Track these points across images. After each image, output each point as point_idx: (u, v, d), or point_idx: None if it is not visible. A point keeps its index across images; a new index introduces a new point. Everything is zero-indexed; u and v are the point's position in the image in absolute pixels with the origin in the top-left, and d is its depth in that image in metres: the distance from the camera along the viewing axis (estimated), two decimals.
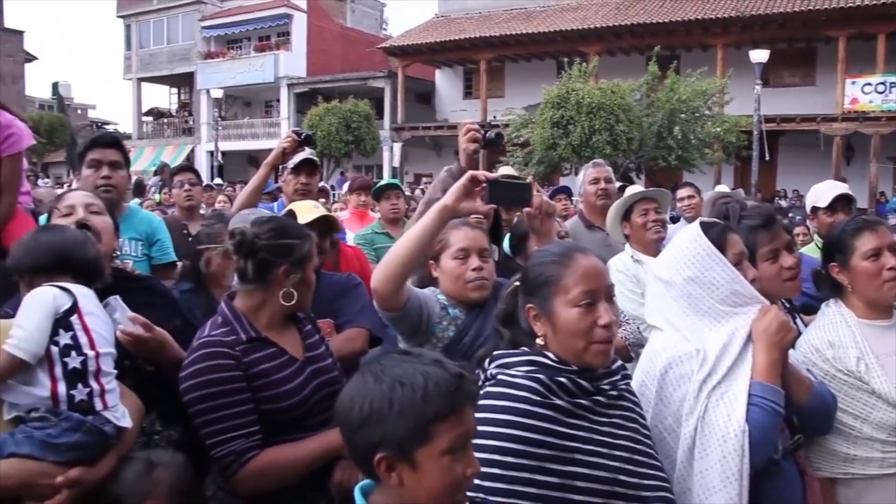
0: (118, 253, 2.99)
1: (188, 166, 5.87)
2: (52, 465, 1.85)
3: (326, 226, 3.26)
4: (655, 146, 21.87)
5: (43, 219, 3.18)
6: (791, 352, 2.29)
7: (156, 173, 15.02)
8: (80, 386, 1.94)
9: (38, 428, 1.87)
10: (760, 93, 20.99)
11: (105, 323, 2.10)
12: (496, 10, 32.04)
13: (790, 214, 10.13)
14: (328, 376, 2.44)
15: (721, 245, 2.23)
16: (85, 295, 2.07)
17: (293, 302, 2.34)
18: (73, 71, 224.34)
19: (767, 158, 21.73)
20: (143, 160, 35.42)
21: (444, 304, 2.73)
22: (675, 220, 6.69)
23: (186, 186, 5.18)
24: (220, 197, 9.12)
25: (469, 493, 1.57)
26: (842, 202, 4.19)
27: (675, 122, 21.40)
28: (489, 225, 3.79)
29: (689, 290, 2.22)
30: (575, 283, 1.90)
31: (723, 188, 7.60)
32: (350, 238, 5.25)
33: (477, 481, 1.59)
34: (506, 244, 3.87)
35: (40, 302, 1.98)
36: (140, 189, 10.45)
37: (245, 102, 39.87)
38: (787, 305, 2.83)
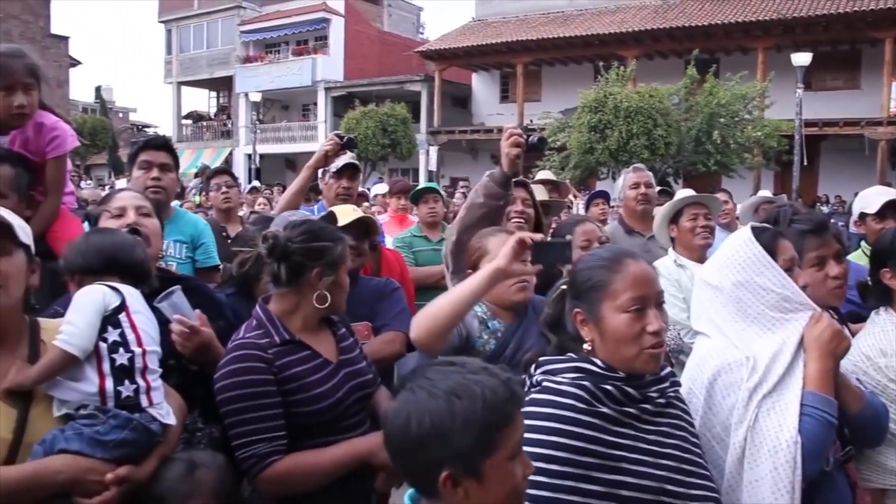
0: (163, 255, 3.03)
1: (224, 169, 5.93)
2: (101, 462, 1.87)
3: (365, 229, 3.27)
4: (694, 151, 21.65)
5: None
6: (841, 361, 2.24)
7: (196, 175, 15.21)
8: (126, 382, 1.96)
9: (87, 425, 1.89)
10: (802, 97, 20.64)
11: (151, 322, 2.12)
12: (533, 14, 31.97)
13: (832, 220, 9.94)
14: (362, 379, 2.44)
15: (772, 250, 2.19)
16: (132, 294, 2.10)
17: (327, 304, 2.35)
18: (115, 75, 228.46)
19: (807, 163, 21.34)
20: (182, 163, 35.61)
21: (482, 318, 2.73)
22: None
23: (224, 189, 5.22)
24: (260, 199, 9.20)
25: None
26: (891, 208, 4.10)
27: (714, 126, 21.18)
28: (530, 229, 3.79)
29: (738, 295, 2.18)
30: (624, 288, 1.88)
31: (765, 193, 7.48)
32: (389, 241, 5.26)
33: None
34: None
35: (90, 299, 2.01)
36: (180, 191, 10.58)
37: (283, 106, 40.25)
38: (835, 315, 2.77)
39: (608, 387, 1.86)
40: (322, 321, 2.44)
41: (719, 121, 21.22)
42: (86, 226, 3.24)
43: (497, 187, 3.02)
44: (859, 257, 3.96)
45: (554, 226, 5.26)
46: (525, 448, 1.61)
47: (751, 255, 2.18)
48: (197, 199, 9.53)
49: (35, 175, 2.95)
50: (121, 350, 1.97)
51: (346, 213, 3.19)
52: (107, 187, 18.01)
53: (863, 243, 4.39)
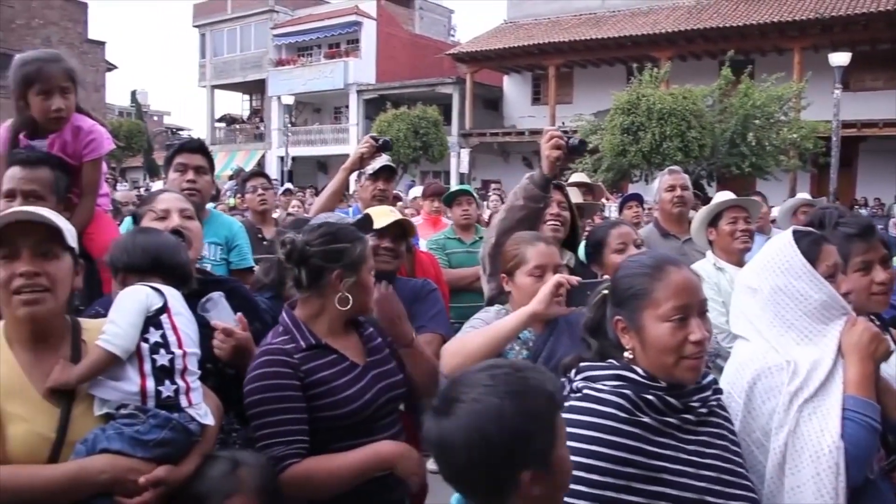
0: (202, 257, 3.07)
1: (260, 172, 5.98)
2: (141, 462, 1.89)
3: (401, 230, 3.27)
4: (728, 153, 21.42)
5: (128, 220, 3.28)
6: (883, 366, 2.19)
7: (231, 178, 15.35)
8: (167, 383, 1.98)
9: (128, 424, 1.91)
10: (840, 97, 20.31)
11: (191, 324, 2.14)
12: (565, 16, 31.85)
13: None
14: (391, 380, 2.44)
15: (813, 256, 2.15)
16: (174, 295, 2.13)
17: (349, 306, 2.34)
18: (150, 79, 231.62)
19: (845, 165, 20.99)
20: (215, 165, 36.20)
21: None
22: None
23: (259, 191, 5.26)
24: (294, 202, 9.26)
25: None
26: None
27: (749, 128, 20.95)
28: (566, 232, 3.78)
29: (776, 300, 2.15)
30: (667, 297, 1.84)
31: (804, 196, 7.36)
32: (423, 244, 5.27)
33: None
34: (581, 252, 3.83)
35: (133, 300, 2.04)
36: (215, 193, 10.69)
37: (315, 109, 40.52)
38: (877, 321, 2.72)
39: (649, 396, 1.83)
40: (349, 323, 2.44)
41: (754, 122, 20.98)
42: (126, 224, 3.29)
43: (537, 190, 3.01)
44: None
45: (588, 229, 5.24)
46: None
47: (790, 260, 2.14)
48: (232, 201, 9.62)
49: (72, 177, 3.00)
50: (162, 351, 2.00)
51: (383, 216, 3.19)
52: (141, 189, 18.25)
53: None
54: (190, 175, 3.38)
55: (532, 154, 31.80)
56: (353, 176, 4.09)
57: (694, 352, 1.83)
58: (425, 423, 1.46)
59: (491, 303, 3.05)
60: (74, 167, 3.01)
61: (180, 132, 57.49)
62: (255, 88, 41.73)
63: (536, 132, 29.61)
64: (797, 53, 25.31)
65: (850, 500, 1.97)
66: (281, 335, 2.34)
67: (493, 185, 16.69)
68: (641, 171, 22.04)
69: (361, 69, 36.20)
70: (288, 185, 12.46)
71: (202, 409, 2.05)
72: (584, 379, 1.92)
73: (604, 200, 10.20)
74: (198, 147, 3.54)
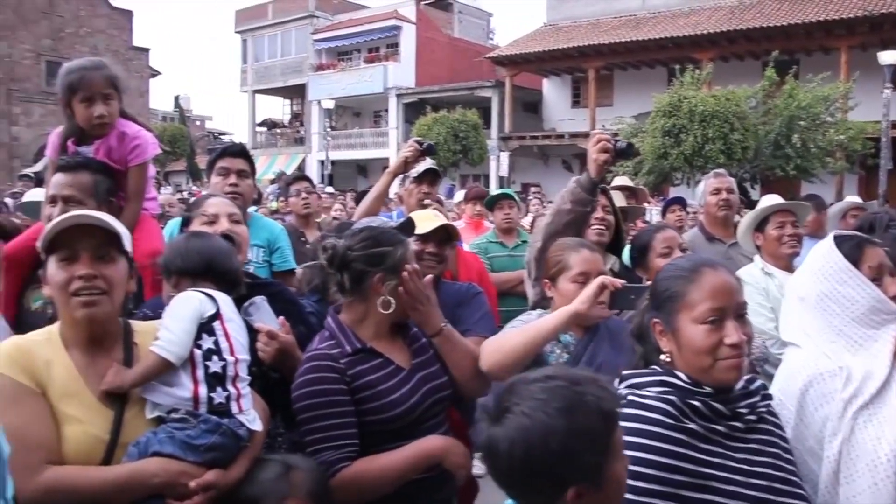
0: (247, 261, 3.10)
1: (304, 176, 6.03)
2: (193, 466, 1.92)
3: (446, 235, 3.27)
4: (772, 155, 21.07)
5: (175, 222, 3.32)
6: None
7: (272, 181, 15.51)
8: (219, 389, 2.01)
9: (179, 428, 1.94)
10: (891, 97, 19.85)
11: (242, 330, 2.17)
12: (605, 18, 31.62)
13: None
14: (437, 382, 2.44)
15: (856, 258, 2.12)
16: (226, 302, 2.16)
17: (391, 310, 2.35)
18: (193, 84, 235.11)
19: (892, 167, 20.48)
20: (256, 169, 36.66)
21: None
22: None
23: (303, 195, 5.32)
24: (336, 205, 9.33)
25: None
26: None
27: (794, 129, 20.57)
28: (610, 236, 3.75)
29: (824, 307, 2.12)
30: (701, 299, 1.83)
31: (854, 199, 7.21)
32: (465, 248, 5.27)
33: None
34: (626, 255, 3.81)
35: (187, 306, 2.07)
36: (257, 197, 10.80)
37: (355, 113, 40.79)
38: None
39: (695, 402, 1.81)
40: (394, 326, 2.45)
41: (799, 124, 20.59)
42: (169, 227, 3.34)
43: (584, 193, 3.00)
44: None
45: (632, 233, 5.19)
46: None
47: (833, 265, 2.11)
48: (274, 204, 9.73)
49: (117, 182, 3.04)
50: (214, 358, 2.03)
51: (428, 220, 3.19)
52: (184, 193, 18.52)
53: None
54: (232, 179, 3.41)
55: (572, 157, 31.65)
56: (397, 180, 4.10)
57: (730, 354, 1.80)
58: (478, 423, 1.47)
59: (535, 307, 3.04)
60: (120, 172, 3.06)
61: (222, 136, 58.26)
62: (296, 93, 42.13)
63: (576, 135, 29.48)
64: (844, 52, 24.73)
65: None
66: (327, 340, 2.36)
67: (532, 189, 16.65)
68: (683, 175, 21.78)
69: (401, 73, 36.35)
70: (329, 189, 12.56)
71: (251, 415, 2.08)
72: (629, 386, 1.91)
73: (645, 204, 10.11)
74: (239, 151, 3.57)
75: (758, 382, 1.96)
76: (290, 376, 2.34)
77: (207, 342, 2.04)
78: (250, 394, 2.12)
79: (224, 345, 2.06)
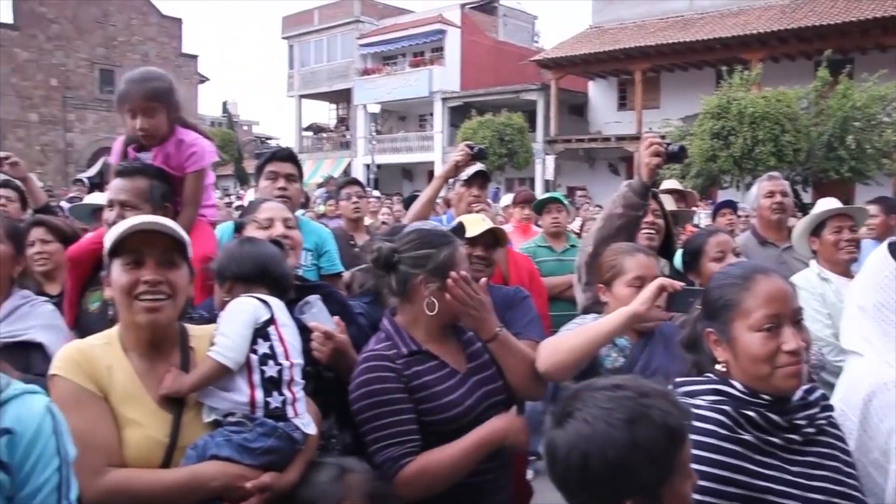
0: (301, 265, 3.14)
1: (355, 180, 6.06)
2: (249, 469, 1.94)
3: (493, 239, 3.28)
4: (825, 157, 20.63)
5: (225, 226, 3.36)
6: None
7: (320, 185, 15.66)
8: (275, 394, 2.04)
9: (236, 432, 1.97)
10: None
11: (296, 334, 2.20)
12: (651, 19, 31.27)
13: None
14: (492, 386, 2.43)
15: None
16: (279, 307, 2.19)
17: (435, 312, 2.34)
18: (240, 90, 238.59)
19: None
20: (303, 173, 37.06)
21: None
22: None
23: (354, 199, 5.35)
24: (383, 209, 9.37)
25: None
26: None
27: (848, 130, 20.10)
28: (660, 240, 3.71)
29: (881, 317, 2.06)
30: (757, 306, 1.79)
31: None
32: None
33: None
34: (677, 260, 3.76)
35: (243, 312, 2.10)
36: (305, 201, 10.89)
37: (400, 117, 41.01)
38: None
39: (750, 413, 1.77)
40: (448, 330, 2.45)
41: (854, 125, 20.13)
42: (219, 231, 3.38)
43: (636, 197, 2.97)
44: None
45: (683, 236, 5.13)
46: None
47: (888, 274, 2.06)
48: (321, 208, 9.80)
49: (175, 188, 3.10)
50: (270, 362, 2.06)
51: (476, 224, 3.19)
52: (232, 197, 18.78)
53: None
54: (281, 183, 3.45)
55: (618, 160, 31.39)
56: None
57: (788, 361, 1.77)
58: (544, 423, 1.46)
59: (586, 312, 3.03)
60: (178, 178, 3.11)
61: (269, 141, 59.08)
62: (342, 97, 42.48)
63: (622, 138, 29.23)
64: None
65: None
66: (383, 341, 2.38)
67: (578, 192, 16.55)
68: (732, 177, 21.44)
69: (446, 77, 36.43)
70: (376, 193, 12.62)
71: (306, 419, 2.10)
72: (682, 395, 1.86)
73: (694, 208, 9.97)
74: (287, 156, 3.61)
75: (817, 393, 1.91)
76: (345, 376, 2.36)
77: (263, 347, 2.07)
78: (305, 397, 2.14)
79: (279, 349, 2.09)
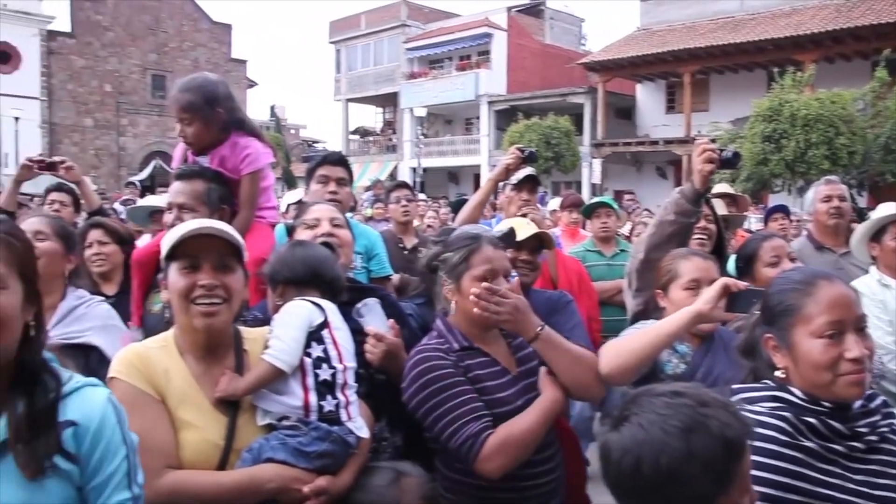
0: (353, 266, 3.16)
1: (404, 183, 6.09)
2: (304, 472, 1.95)
3: (538, 243, 3.26)
4: (882, 160, 20.12)
5: (280, 228, 3.40)
6: None
7: (367, 189, 15.75)
8: (328, 397, 2.05)
9: (290, 436, 1.98)
10: None
11: (349, 338, 2.20)
12: (701, 21, 30.81)
13: None
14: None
15: None
16: (333, 310, 2.19)
17: (454, 313, 2.39)
18: (287, 94, 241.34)
19: None
20: None
21: None
22: None
23: (403, 202, 5.37)
24: (429, 213, 9.41)
25: None
26: None
27: None
28: (712, 246, 3.65)
29: None
30: (819, 312, 1.76)
31: None
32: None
33: None
34: (730, 265, 3.69)
35: (297, 315, 2.12)
36: (353, 204, 10.90)
37: (446, 120, 41.07)
38: None
39: (811, 420, 1.74)
40: (496, 332, 2.46)
41: None
42: (281, 234, 3.42)
43: (688, 204, 2.93)
44: None
45: (734, 241, 5.04)
46: None
47: None
48: (369, 211, 9.86)
49: (232, 190, 3.15)
50: (324, 366, 2.07)
51: (521, 228, 3.19)
52: (280, 199, 18.96)
53: None
54: (332, 187, 3.47)
55: (666, 164, 31.02)
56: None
57: (851, 369, 1.72)
58: (602, 423, 1.44)
59: (636, 318, 3.01)
60: (235, 180, 3.16)
61: (316, 144, 59.64)
62: (388, 101, 42.74)
63: (670, 141, 28.87)
64: None
65: None
66: (434, 338, 2.40)
67: (626, 196, 16.38)
68: (784, 181, 21.03)
69: (492, 80, 36.40)
70: (422, 196, 12.65)
71: (359, 422, 2.10)
72: (740, 401, 1.84)
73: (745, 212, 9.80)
74: (339, 159, 3.63)
75: (879, 400, 1.86)
76: (397, 379, 2.37)
77: (317, 350, 2.08)
78: (358, 401, 2.15)
79: (333, 353, 2.10)
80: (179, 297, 1.97)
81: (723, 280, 2.25)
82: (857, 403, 1.79)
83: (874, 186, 21.41)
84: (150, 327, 3.00)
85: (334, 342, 2.12)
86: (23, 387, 1.47)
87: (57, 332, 2.57)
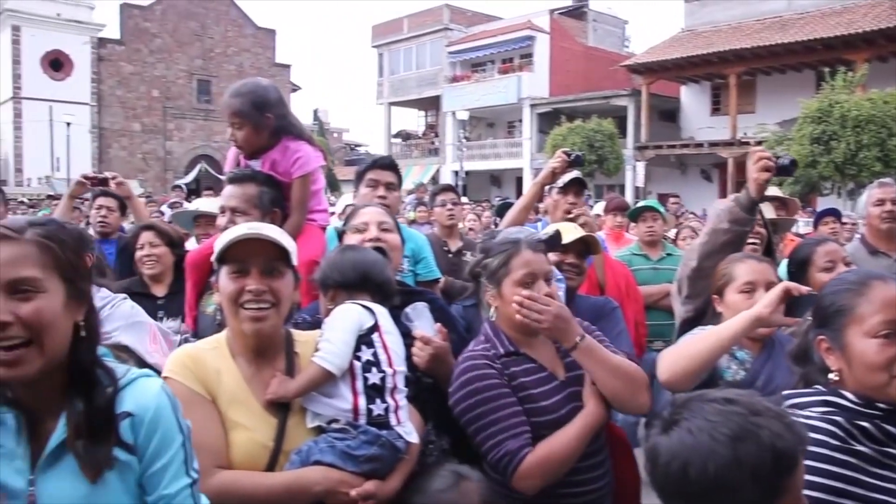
0: (402, 269, 3.16)
1: (450, 186, 6.07)
2: (352, 476, 1.96)
3: (584, 247, 3.24)
4: None
5: (331, 230, 3.42)
6: None
7: (410, 192, 15.81)
8: (378, 401, 2.05)
9: (339, 439, 1.98)
10: None
11: (400, 342, 2.20)
12: (747, 21, 30.32)
13: None
14: None
15: None
16: (383, 314, 2.20)
17: (496, 318, 2.38)
18: (330, 98, 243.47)
19: None
20: None
21: None
22: None
23: (449, 206, 5.37)
24: (470, 216, 9.40)
25: None
26: None
27: None
28: (762, 250, 3.59)
29: None
30: (872, 312, 1.74)
31: None
32: None
33: None
34: (783, 270, 3.62)
35: (347, 319, 2.12)
36: None
37: (488, 123, 41.03)
38: None
39: (865, 423, 1.70)
40: (541, 336, 2.42)
41: None
42: (331, 237, 3.44)
43: (743, 213, 2.88)
44: None
45: (782, 246, 4.95)
46: None
47: None
48: (411, 214, 9.88)
49: (285, 193, 3.18)
50: (374, 370, 2.07)
51: (567, 232, 3.18)
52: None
53: None
54: (381, 191, 3.49)
55: (711, 167, 30.59)
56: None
57: None
58: (648, 427, 1.44)
59: (686, 325, 2.97)
60: (287, 184, 3.19)
61: (358, 148, 60.02)
62: (431, 104, 42.86)
63: (716, 144, 28.47)
64: None
65: None
66: (481, 343, 2.39)
67: (670, 199, 16.16)
68: (833, 184, 20.60)
69: (535, 83, 36.31)
70: (464, 199, 12.62)
71: (408, 427, 2.10)
72: (791, 407, 1.80)
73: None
74: (389, 164, 3.66)
75: None
76: (444, 383, 2.37)
77: (366, 354, 2.08)
78: (407, 405, 2.15)
79: (382, 356, 2.10)
80: (229, 301, 2.00)
81: (784, 284, 2.22)
82: None
83: None
84: (203, 328, 3.06)
85: (384, 346, 2.12)
86: (79, 386, 1.49)
87: None
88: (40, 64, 39.19)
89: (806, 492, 1.59)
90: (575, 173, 3.97)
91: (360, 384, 2.05)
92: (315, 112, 54.65)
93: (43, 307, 1.43)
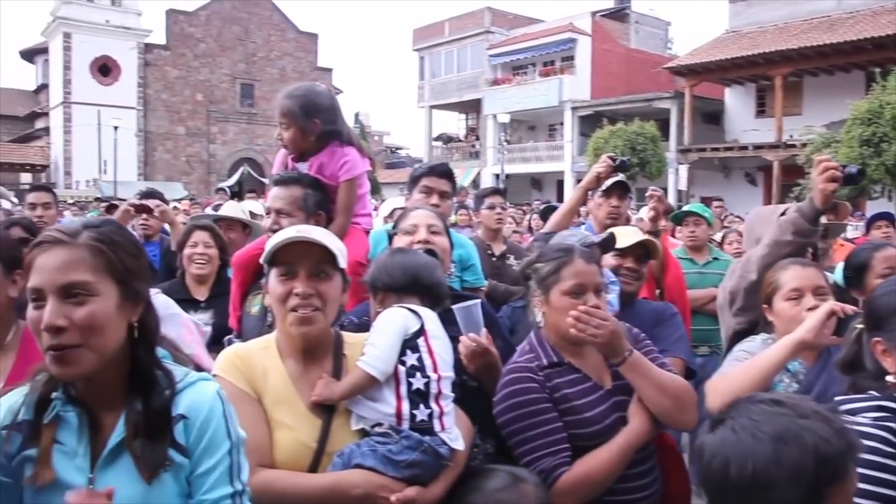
0: (450, 273, 3.14)
1: (497, 189, 6.03)
2: (393, 480, 1.94)
3: (643, 251, 3.19)
4: None
5: (381, 235, 3.41)
6: None
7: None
8: (422, 406, 2.03)
9: (381, 443, 1.97)
10: None
11: (447, 347, 2.18)
12: (794, 21, 29.78)
13: None
14: None
15: None
16: (430, 318, 2.18)
17: (544, 326, 2.36)
18: (371, 101, 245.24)
19: None
20: None
21: None
22: None
23: (497, 209, 5.34)
24: (507, 218, 9.31)
25: None
26: None
27: None
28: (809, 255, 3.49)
29: None
30: None
31: None
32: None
33: None
34: (838, 275, 3.51)
35: (393, 323, 2.11)
36: None
37: (529, 126, 40.96)
38: None
39: None
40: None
41: None
42: (373, 240, 3.43)
43: (807, 224, 2.82)
44: None
45: (832, 251, 4.81)
46: None
47: None
48: (452, 217, 9.85)
49: (329, 196, 3.19)
50: (418, 375, 2.05)
51: (627, 235, 3.17)
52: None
53: None
54: (434, 199, 3.48)
55: (755, 170, 30.11)
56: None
57: None
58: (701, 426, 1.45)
59: (735, 337, 2.92)
60: (333, 187, 3.20)
61: (399, 151, 60.31)
62: (471, 107, 42.90)
63: (760, 147, 28.02)
64: None
65: None
66: (526, 353, 2.38)
67: (714, 203, 15.92)
68: (883, 187, 20.13)
69: (576, 86, 36.13)
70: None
71: (453, 433, 2.08)
72: (842, 413, 1.74)
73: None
74: (445, 172, 3.62)
75: None
76: (490, 386, 2.37)
77: (411, 358, 2.07)
78: (454, 411, 2.12)
79: (427, 362, 2.08)
80: (277, 303, 2.02)
81: (828, 305, 2.20)
82: None
83: None
84: (247, 329, 3.08)
85: (430, 351, 2.10)
86: (138, 386, 1.52)
87: None
88: (89, 69, 40.18)
89: (858, 500, 1.55)
90: (619, 177, 3.93)
91: (403, 389, 2.03)
92: (356, 115, 55.01)
93: (96, 311, 1.46)
